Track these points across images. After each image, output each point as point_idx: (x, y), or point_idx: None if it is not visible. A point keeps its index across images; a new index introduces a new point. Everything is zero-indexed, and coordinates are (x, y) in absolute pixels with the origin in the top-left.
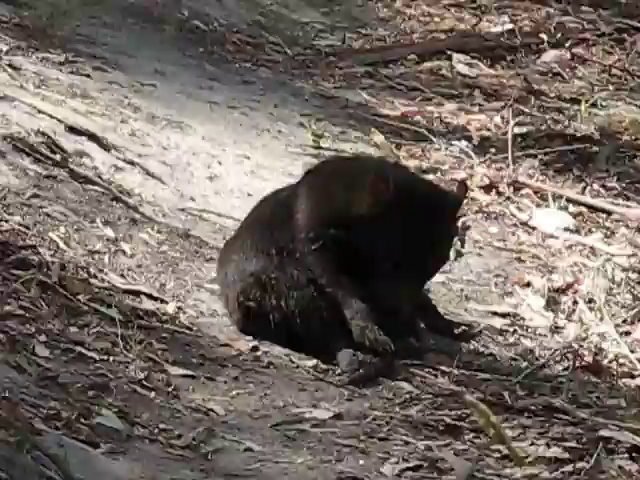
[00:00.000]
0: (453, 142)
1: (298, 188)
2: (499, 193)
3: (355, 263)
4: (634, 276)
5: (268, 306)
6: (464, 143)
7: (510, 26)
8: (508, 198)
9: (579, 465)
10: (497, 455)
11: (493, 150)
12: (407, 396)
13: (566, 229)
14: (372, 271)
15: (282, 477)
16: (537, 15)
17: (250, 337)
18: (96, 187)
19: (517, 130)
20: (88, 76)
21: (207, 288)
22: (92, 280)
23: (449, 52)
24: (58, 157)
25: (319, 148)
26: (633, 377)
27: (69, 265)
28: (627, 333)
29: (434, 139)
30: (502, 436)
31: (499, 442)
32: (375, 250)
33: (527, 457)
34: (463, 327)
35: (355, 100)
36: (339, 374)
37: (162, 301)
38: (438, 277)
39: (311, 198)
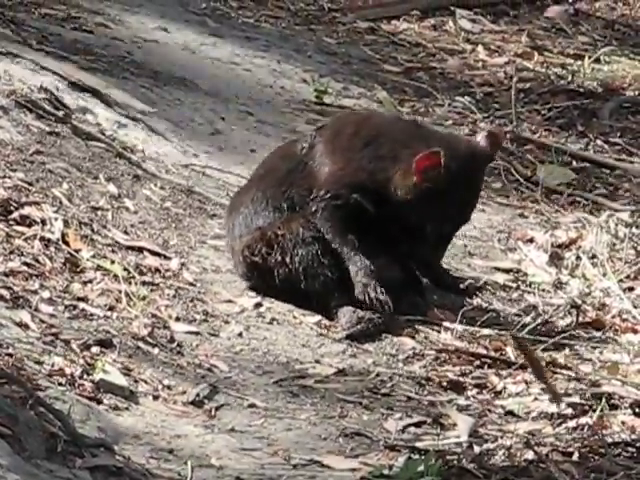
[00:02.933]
0: (456, 98)
1: (317, 145)
2: (502, 149)
3: (370, 228)
4: (637, 232)
5: (272, 262)
6: (467, 99)
7: None
8: (511, 154)
9: (582, 420)
10: (500, 411)
11: (496, 106)
12: (410, 352)
13: (569, 185)
14: (390, 235)
15: (285, 433)
16: None
17: (253, 293)
18: (99, 143)
19: (520, 86)
20: (91, 32)
21: (210, 244)
22: (95, 236)
23: (452, 8)
24: (61, 113)
25: (322, 104)
26: (636, 332)
27: (72, 221)
28: (630, 289)
29: (437, 95)
30: (541, 370)
31: (538, 378)
32: (400, 217)
33: (529, 413)
34: (469, 281)
35: (358, 56)
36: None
37: (165, 257)
38: None
39: (337, 159)
